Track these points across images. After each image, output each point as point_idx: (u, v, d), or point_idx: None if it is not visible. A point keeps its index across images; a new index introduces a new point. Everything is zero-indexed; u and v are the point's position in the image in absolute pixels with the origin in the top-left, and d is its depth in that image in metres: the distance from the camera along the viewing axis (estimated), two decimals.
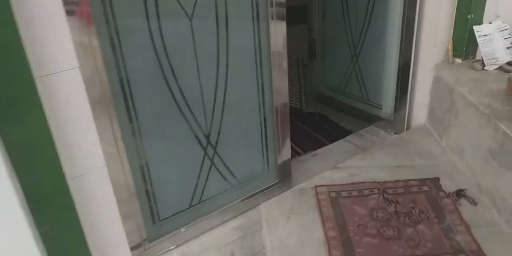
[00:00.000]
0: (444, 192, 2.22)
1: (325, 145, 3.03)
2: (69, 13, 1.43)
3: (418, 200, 2.18)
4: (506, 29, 2.56)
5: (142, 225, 1.95)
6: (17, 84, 1.35)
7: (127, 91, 1.72)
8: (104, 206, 1.78)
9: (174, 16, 1.76)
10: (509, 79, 2.26)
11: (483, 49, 2.60)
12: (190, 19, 1.80)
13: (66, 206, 1.58)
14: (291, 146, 2.97)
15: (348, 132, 3.17)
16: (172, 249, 2.08)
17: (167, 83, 1.83)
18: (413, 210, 2.11)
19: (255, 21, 1.98)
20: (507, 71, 2.50)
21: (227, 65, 1.97)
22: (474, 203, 2.14)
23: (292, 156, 2.82)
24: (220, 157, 2.14)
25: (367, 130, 3.09)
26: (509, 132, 1.93)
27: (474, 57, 2.72)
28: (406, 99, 2.85)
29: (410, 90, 2.83)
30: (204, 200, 2.17)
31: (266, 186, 2.37)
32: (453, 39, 2.70)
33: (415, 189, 2.26)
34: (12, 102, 1.35)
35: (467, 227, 1.99)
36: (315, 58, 3.54)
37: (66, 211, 1.59)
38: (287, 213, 2.18)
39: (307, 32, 3.56)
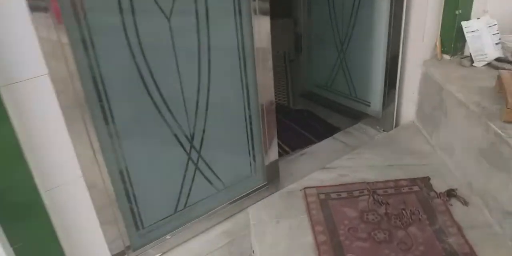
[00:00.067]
0: (435, 192, 2.19)
1: (313, 142, 3.01)
2: (34, 9, 1.34)
3: (409, 201, 2.14)
4: (494, 24, 2.53)
5: (124, 233, 1.90)
6: None
7: (103, 96, 1.66)
8: (82, 215, 1.73)
9: (150, 11, 1.69)
10: (498, 76, 2.22)
11: (472, 45, 2.56)
12: (168, 15, 1.73)
13: (41, 220, 1.53)
14: (279, 144, 2.94)
15: (336, 129, 3.14)
16: None
17: (145, 84, 1.76)
18: (404, 212, 2.07)
19: (237, 16, 1.92)
20: (496, 68, 2.47)
21: (209, 63, 1.91)
22: (465, 203, 2.11)
23: (280, 154, 2.78)
24: (204, 161, 2.09)
25: (355, 127, 3.06)
26: (500, 131, 1.89)
27: (463, 53, 2.68)
28: (394, 96, 2.81)
29: (398, 87, 2.79)
30: (190, 205, 2.12)
31: (254, 188, 2.33)
32: (441, 35, 2.66)
33: (406, 189, 2.23)
34: None
35: (459, 229, 1.96)
36: (301, 53, 3.48)
37: (41, 225, 1.54)
38: (275, 217, 2.13)
39: (293, 26, 3.49)
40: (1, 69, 1.33)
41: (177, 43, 1.78)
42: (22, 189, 1.45)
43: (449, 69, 2.55)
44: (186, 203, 2.11)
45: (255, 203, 2.28)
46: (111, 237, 1.85)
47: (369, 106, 3.01)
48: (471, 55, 2.57)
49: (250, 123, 2.18)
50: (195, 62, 1.88)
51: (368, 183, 2.28)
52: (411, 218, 2.04)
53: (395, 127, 2.88)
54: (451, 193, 2.16)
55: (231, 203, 2.25)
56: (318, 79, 3.39)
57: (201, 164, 2.09)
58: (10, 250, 1.42)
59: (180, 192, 2.08)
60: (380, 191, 2.22)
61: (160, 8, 1.69)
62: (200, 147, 2.05)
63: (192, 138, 2.00)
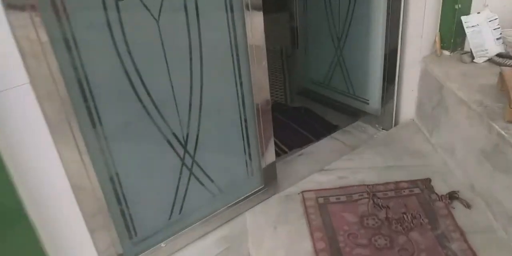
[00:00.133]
0: (436, 194, 2.13)
1: (311, 141, 2.95)
2: (9, 6, 1.26)
3: (409, 204, 2.09)
4: (495, 19, 2.46)
5: (116, 241, 1.83)
6: None
7: (90, 101, 1.58)
8: (71, 224, 1.67)
9: (137, 7, 1.60)
10: (500, 73, 2.15)
11: (472, 41, 2.50)
12: (157, 12, 1.64)
13: (24, 231, 1.47)
14: (276, 143, 2.87)
15: (335, 127, 3.07)
16: None
17: (133, 87, 1.68)
18: (405, 216, 2.01)
19: (229, 13, 1.84)
20: (498, 64, 2.40)
21: (201, 63, 1.83)
22: (468, 206, 2.05)
23: (277, 154, 2.74)
24: (199, 166, 2.03)
25: (354, 126, 3.00)
26: (503, 132, 1.83)
27: (463, 48, 2.62)
28: (393, 94, 2.74)
29: (397, 85, 2.73)
30: (185, 211, 2.05)
31: (251, 192, 2.26)
32: (440, 31, 2.60)
33: (406, 191, 2.17)
34: None
35: (462, 234, 1.90)
36: (297, 49, 3.41)
37: (25, 236, 1.48)
38: (273, 222, 2.07)
39: (289, 21, 3.40)
40: None
41: (166, 42, 1.71)
42: (6, 204, 1.40)
43: (449, 65, 2.49)
44: (181, 209, 2.05)
45: (252, 207, 2.23)
46: (102, 246, 1.78)
47: (368, 103, 2.94)
48: (471, 50, 2.51)
49: (246, 125, 2.11)
50: (186, 62, 1.80)
51: (367, 185, 2.23)
52: (412, 222, 1.98)
53: (394, 125, 2.82)
54: (453, 196, 2.10)
55: (227, 208, 2.18)
56: (315, 76, 3.32)
57: (195, 169, 2.03)
58: None
59: (175, 198, 2.01)
60: (380, 194, 2.16)
61: (147, 5, 1.62)
62: (194, 152, 1.98)
63: (186, 142, 1.94)
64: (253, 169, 2.25)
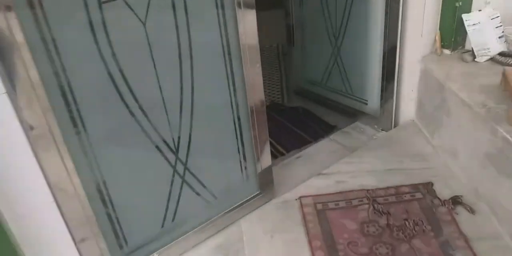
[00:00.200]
0: (439, 199, 2.06)
1: (309, 142, 2.88)
2: None
3: (411, 210, 2.02)
4: (497, 17, 2.39)
5: (106, 252, 1.77)
6: None
7: (74, 109, 1.51)
8: (56, 237, 1.61)
9: (122, 8, 1.52)
10: (503, 73, 2.08)
11: (473, 39, 2.42)
12: (144, 10, 1.56)
13: (5, 249, 1.40)
14: (273, 145, 2.82)
15: (333, 128, 3.00)
16: None
17: (118, 91, 1.60)
18: (406, 223, 1.94)
19: (220, 11, 1.75)
20: (500, 63, 2.33)
21: (191, 65, 1.75)
22: (472, 211, 1.98)
23: (274, 156, 2.68)
24: (191, 173, 1.95)
25: (352, 126, 2.92)
26: (508, 137, 1.76)
27: (464, 47, 2.55)
28: (392, 94, 2.67)
29: (397, 85, 2.66)
30: (178, 220, 1.99)
31: (247, 198, 2.19)
32: (440, 29, 2.52)
33: (408, 196, 2.10)
34: None
35: (467, 241, 1.83)
36: (294, 47, 3.33)
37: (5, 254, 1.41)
38: (270, 230, 2.00)
39: (284, 18, 3.32)
40: None
41: (154, 43, 1.62)
42: None
43: (449, 65, 2.41)
44: (174, 217, 1.98)
45: (248, 214, 2.16)
46: None
47: (366, 104, 2.87)
48: (472, 49, 2.43)
49: (240, 128, 2.03)
50: (175, 64, 1.72)
51: (367, 190, 2.15)
52: (414, 229, 1.91)
53: (394, 126, 2.75)
54: (456, 201, 2.03)
55: (222, 215, 2.12)
56: (312, 75, 3.24)
57: (188, 176, 1.95)
58: None
59: (167, 207, 1.94)
60: (380, 199, 2.09)
61: (133, 6, 1.54)
62: (186, 159, 1.91)
63: (177, 149, 1.86)
64: (248, 174, 2.17)
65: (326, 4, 2.91)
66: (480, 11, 2.41)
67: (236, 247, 2.00)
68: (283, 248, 1.90)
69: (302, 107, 3.33)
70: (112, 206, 1.75)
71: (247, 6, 1.76)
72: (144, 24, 1.57)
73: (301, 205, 2.12)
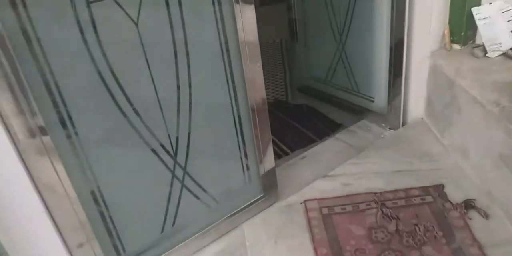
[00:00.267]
0: (451, 202, 1.96)
1: (314, 141, 2.80)
2: None
3: (421, 215, 1.92)
4: (509, 10, 2.29)
5: None
6: None
7: (63, 112, 1.43)
8: (48, 245, 1.55)
9: (112, 7, 1.44)
10: None
11: (484, 34, 2.32)
12: (136, 7, 1.47)
13: None
14: (277, 144, 2.74)
15: (339, 126, 2.91)
16: None
17: (110, 93, 1.51)
18: (417, 228, 1.85)
19: (216, 6, 1.66)
20: None
21: (188, 64, 1.66)
22: (485, 216, 1.89)
23: (279, 156, 2.60)
24: (191, 177, 1.87)
25: (359, 125, 2.83)
26: None
27: (474, 42, 2.44)
28: (400, 91, 2.57)
29: (404, 81, 2.55)
30: (178, 225, 1.91)
31: (249, 202, 2.11)
32: (449, 23, 2.41)
33: (418, 200, 2.01)
34: None
35: (480, 248, 1.74)
36: (297, 43, 3.24)
37: None
38: (273, 236, 1.92)
39: (287, 12, 3.22)
40: None
41: (147, 42, 1.53)
42: None
43: (460, 60, 2.31)
44: (173, 223, 1.90)
45: (251, 218, 2.09)
46: None
47: (373, 101, 2.77)
48: (483, 44, 2.33)
49: (241, 128, 1.95)
50: (171, 64, 1.63)
51: (375, 193, 2.06)
52: (425, 235, 1.82)
53: (402, 124, 2.64)
54: (469, 204, 1.93)
55: (224, 219, 2.04)
56: (316, 72, 3.15)
57: (187, 181, 1.88)
58: None
59: (166, 212, 1.87)
60: (389, 203, 2.00)
61: (124, 4, 1.45)
62: (185, 163, 1.83)
63: (175, 153, 1.78)
64: (250, 176, 2.09)
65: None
66: (491, 4, 2.31)
67: (239, 253, 1.92)
68: (287, 255, 1.81)
69: (307, 104, 3.23)
70: (108, 212, 1.68)
71: (245, 1, 1.67)
72: (136, 22, 1.49)
73: (306, 209, 2.03)
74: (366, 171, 2.24)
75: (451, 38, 2.42)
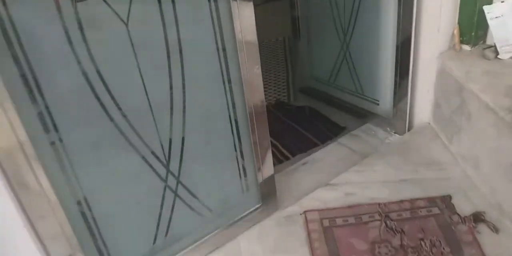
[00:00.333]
0: (459, 215, 1.85)
1: (317, 145, 2.69)
2: None
3: (427, 228, 1.82)
4: None
5: None
6: None
7: (46, 116, 1.33)
8: None
9: (100, 6, 1.34)
10: None
11: (496, 34, 2.20)
12: (126, 8, 1.38)
13: None
14: (277, 148, 2.63)
15: (342, 129, 2.80)
16: None
17: (97, 98, 1.42)
18: (422, 243, 1.75)
19: (212, 4, 1.56)
20: None
21: (182, 66, 1.57)
22: (495, 230, 1.78)
23: (280, 160, 2.50)
24: (185, 187, 1.78)
25: (363, 129, 2.72)
26: None
27: (485, 42, 2.32)
28: (406, 94, 2.46)
29: (411, 84, 2.44)
30: (171, 238, 1.82)
31: (246, 212, 2.02)
32: (459, 23, 2.30)
33: (424, 212, 1.89)
34: None
35: None
36: (300, 41, 3.12)
37: None
38: (271, 250, 1.82)
39: (289, 9, 3.10)
40: None
41: (137, 43, 1.44)
42: None
43: (470, 62, 2.19)
44: (166, 235, 1.81)
45: (248, 229, 1.99)
46: None
47: (378, 104, 2.66)
48: (495, 45, 2.21)
49: (238, 133, 1.85)
50: (163, 65, 1.53)
51: (379, 204, 1.96)
52: (431, 251, 1.71)
53: (408, 129, 2.53)
54: (478, 218, 1.82)
55: (220, 231, 1.95)
56: (320, 73, 3.04)
57: (181, 191, 1.79)
58: None
59: (158, 224, 1.78)
60: (393, 215, 1.89)
61: (113, 4, 1.35)
62: (179, 171, 1.74)
63: (168, 161, 1.69)
64: (248, 184, 1.99)
65: None
66: (503, 2, 2.18)
67: None
68: None
69: (309, 106, 3.12)
70: (96, 224, 1.59)
71: None
72: (126, 22, 1.39)
73: (306, 221, 1.93)
74: (370, 180, 2.13)
75: (461, 38, 2.31)
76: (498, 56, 2.20)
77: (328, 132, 2.79)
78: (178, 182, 1.75)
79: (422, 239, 1.76)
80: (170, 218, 1.79)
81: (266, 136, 1.90)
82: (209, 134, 1.78)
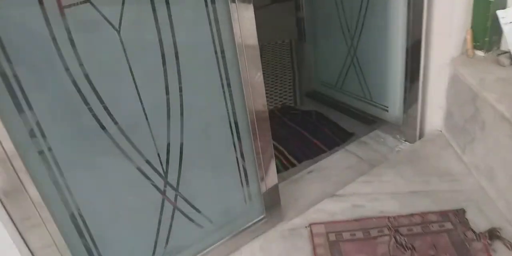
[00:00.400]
0: (473, 231, 1.76)
1: (323, 151, 2.61)
2: None
3: (440, 244, 1.73)
4: None
5: None
6: None
7: (33, 124, 1.28)
8: None
9: (90, 12, 1.28)
10: None
11: (510, 39, 2.10)
12: (118, 14, 1.31)
13: None
14: (283, 154, 2.55)
15: (350, 135, 2.71)
16: None
17: (86, 103, 1.35)
18: None
19: (209, 6, 1.49)
20: None
21: (178, 72, 1.50)
22: (511, 248, 1.68)
23: (285, 168, 2.43)
24: (184, 198, 1.72)
25: (371, 136, 2.63)
26: None
27: (499, 48, 2.22)
28: (417, 101, 2.37)
29: (422, 90, 2.35)
30: (170, 250, 1.76)
31: (249, 224, 1.96)
32: (472, 27, 2.20)
33: (436, 226, 1.80)
34: None
35: None
36: (305, 44, 3.03)
37: None
38: None
39: (295, 11, 3.02)
40: None
41: (130, 50, 1.37)
42: None
43: (483, 69, 2.09)
44: (165, 247, 1.75)
45: (250, 242, 1.93)
46: None
47: (387, 111, 2.57)
48: (510, 51, 2.11)
49: (239, 142, 1.77)
50: (159, 73, 1.47)
51: (388, 218, 1.87)
52: None
53: (419, 136, 2.44)
54: (494, 234, 1.72)
55: (221, 244, 1.89)
56: (327, 77, 2.95)
57: (180, 203, 1.72)
58: None
59: (157, 236, 1.72)
60: (403, 230, 1.80)
61: (103, 9, 1.29)
62: (178, 183, 1.68)
63: (166, 173, 1.62)
64: (250, 195, 1.93)
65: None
66: None
67: None
68: None
69: (316, 111, 3.03)
70: (91, 237, 1.54)
71: (243, 0, 1.49)
72: (118, 28, 1.33)
73: (312, 234, 1.85)
74: (379, 191, 2.04)
75: (474, 43, 2.21)
76: None
77: (335, 137, 2.71)
78: (177, 194, 1.69)
79: None
80: (169, 230, 1.73)
81: (269, 143, 1.83)
82: (208, 142, 1.71)
